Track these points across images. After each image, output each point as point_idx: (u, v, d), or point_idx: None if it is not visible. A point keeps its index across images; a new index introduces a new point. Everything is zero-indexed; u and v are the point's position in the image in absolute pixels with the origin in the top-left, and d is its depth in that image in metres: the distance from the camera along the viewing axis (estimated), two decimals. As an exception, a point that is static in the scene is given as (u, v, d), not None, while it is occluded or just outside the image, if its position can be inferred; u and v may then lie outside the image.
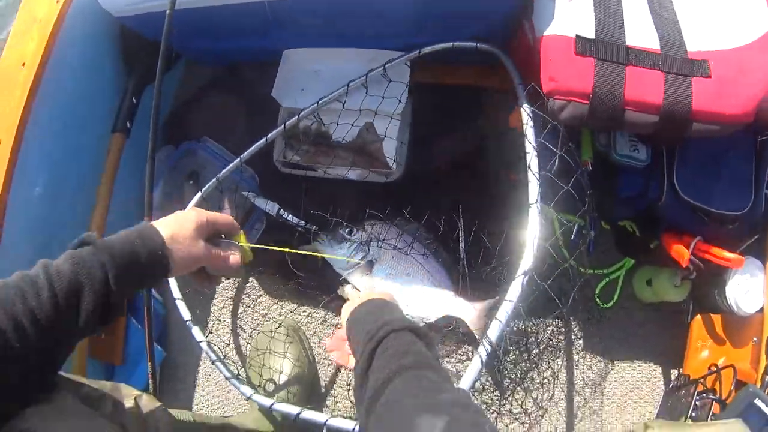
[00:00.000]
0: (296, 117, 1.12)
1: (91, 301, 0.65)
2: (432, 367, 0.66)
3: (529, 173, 0.92)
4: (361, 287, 1.10)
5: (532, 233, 0.89)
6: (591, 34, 0.93)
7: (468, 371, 0.82)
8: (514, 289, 0.85)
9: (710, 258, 1.04)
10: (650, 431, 0.85)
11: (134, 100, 1.16)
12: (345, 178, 1.16)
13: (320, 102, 1.12)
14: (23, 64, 1.01)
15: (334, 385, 1.23)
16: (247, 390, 1.00)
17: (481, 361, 0.83)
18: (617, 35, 0.94)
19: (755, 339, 1.09)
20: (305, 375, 1.16)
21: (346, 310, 0.87)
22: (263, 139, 1.15)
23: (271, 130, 1.16)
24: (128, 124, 1.15)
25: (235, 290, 1.29)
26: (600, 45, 0.92)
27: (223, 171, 1.16)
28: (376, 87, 1.12)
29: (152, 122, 0.94)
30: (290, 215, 1.16)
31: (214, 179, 1.15)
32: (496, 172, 1.17)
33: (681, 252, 1.04)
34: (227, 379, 1.03)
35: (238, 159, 1.15)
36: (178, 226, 0.77)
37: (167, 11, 0.92)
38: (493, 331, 0.83)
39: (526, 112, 0.97)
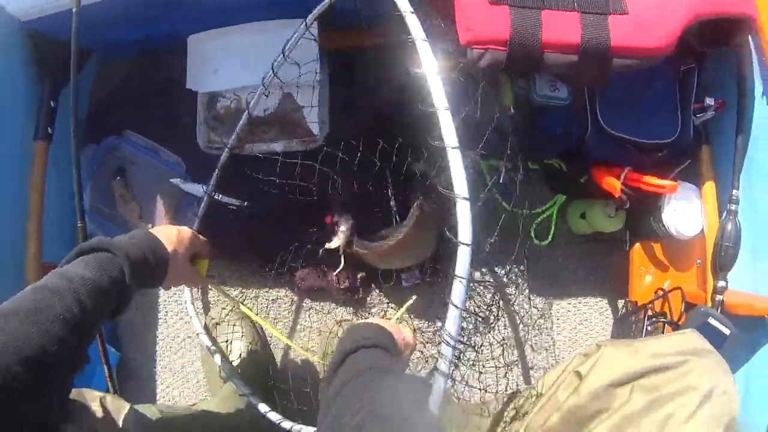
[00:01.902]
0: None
1: (114, 300, 0.73)
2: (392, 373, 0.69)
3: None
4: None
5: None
6: (504, -18, 0.92)
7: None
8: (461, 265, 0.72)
9: (643, 186, 1.05)
10: (602, 349, 0.85)
11: (52, 104, 1.10)
12: (271, 150, 1.13)
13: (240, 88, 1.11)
14: None
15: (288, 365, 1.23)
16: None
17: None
18: (530, -21, 0.92)
19: (699, 261, 1.12)
20: (261, 352, 1.16)
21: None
22: (225, 151, 1.12)
23: (191, 114, 1.15)
24: (49, 129, 1.10)
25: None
26: (513, -9, 0.91)
27: (200, 209, 1.14)
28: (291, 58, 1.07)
29: (72, 119, 0.94)
30: (222, 195, 1.13)
31: (203, 206, 1.14)
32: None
33: (613, 183, 1.05)
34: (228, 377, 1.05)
35: (207, 191, 1.13)
36: (178, 243, 0.87)
37: (73, 9, 0.90)
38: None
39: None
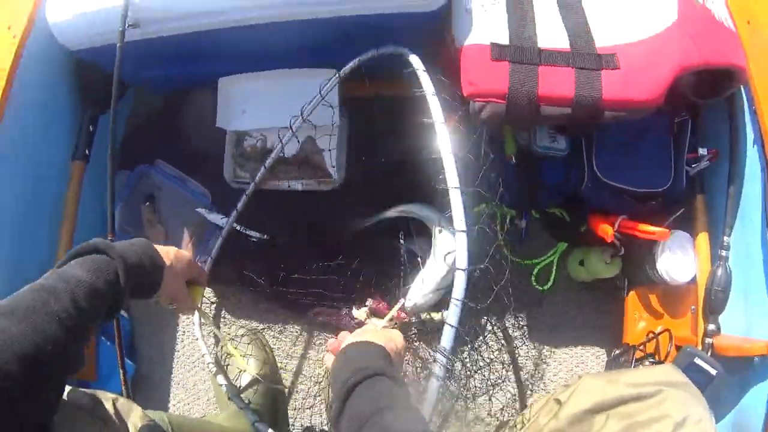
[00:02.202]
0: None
1: (109, 302, 0.73)
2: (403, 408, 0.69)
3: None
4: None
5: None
6: (505, 40, 1.01)
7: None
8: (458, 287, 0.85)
9: (637, 233, 1.10)
10: (582, 379, 0.89)
11: (91, 128, 1.21)
12: (291, 188, 1.22)
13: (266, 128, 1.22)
14: None
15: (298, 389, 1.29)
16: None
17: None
18: (529, 39, 1.01)
19: (693, 308, 1.16)
20: (269, 377, 1.20)
21: (329, 359, 0.92)
22: (243, 197, 1.22)
23: (219, 148, 1.25)
24: (87, 151, 1.20)
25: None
26: (513, 49, 1.00)
27: (223, 231, 1.24)
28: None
29: (110, 146, 1.03)
30: (244, 228, 1.22)
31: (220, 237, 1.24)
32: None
33: (605, 229, 1.11)
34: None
35: (233, 214, 1.23)
36: (175, 260, 0.87)
37: (118, 44, 1.00)
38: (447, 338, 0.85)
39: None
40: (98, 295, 0.70)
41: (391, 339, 0.88)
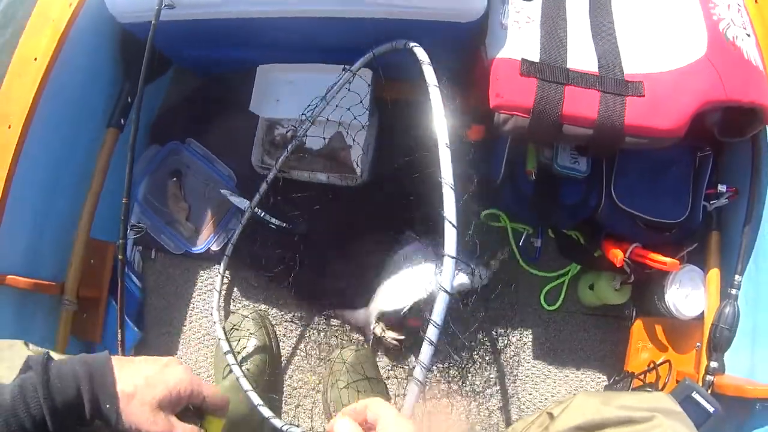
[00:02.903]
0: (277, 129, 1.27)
1: None
2: None
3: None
4: None
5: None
6: (536, 57, 1.05)
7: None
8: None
9: (647, 262, 1.13)
10: (576, 396, 0.88)
11: (129, 99, 1.27)
12: (316, 180, 1.27)
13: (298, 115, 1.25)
14: (35, 59, 1.12)
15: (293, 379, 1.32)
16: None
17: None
18: (559, 59, 1.05)
19: (698, 344, 1.17)
20: (268, 358, 1.25)
21: None
22: (263, 183, 1.27)
23: (250, 134, 1.30)
24: (122, 120, 1.27)
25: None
26: (542, 67, 1.04)
27: (245, 216, 1.29)
28: (344, 101, 1.23)
29: (135, 115, 1.07)
30: (266, 213, 1.27)
31: (244, 219, 1.29)
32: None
33: (616, 253, 1.14)
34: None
35: (253, 200, 1.27)
36: (143, 386, 0.67)
37: (152, 22, 1.05)
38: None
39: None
40: (17, 425, 0.60)
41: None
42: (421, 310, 1.20)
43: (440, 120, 0.93)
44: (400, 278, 1.25)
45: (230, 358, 1.17)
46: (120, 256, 1.07)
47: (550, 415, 0.90)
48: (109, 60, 1.29)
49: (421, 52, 1.03)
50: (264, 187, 1.26)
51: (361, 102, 1.21)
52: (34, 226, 1.17)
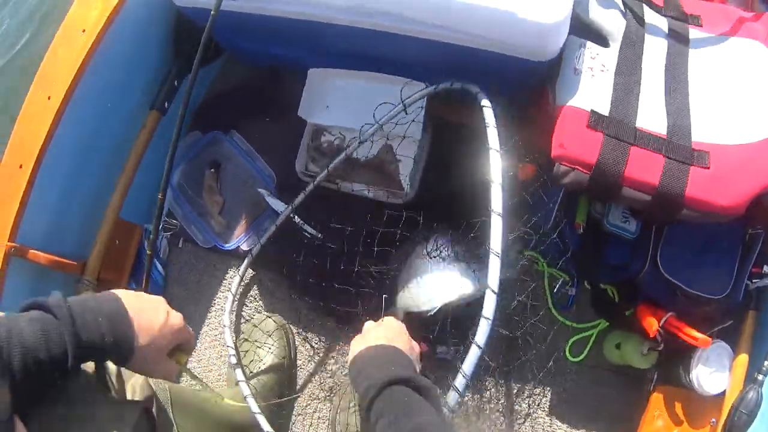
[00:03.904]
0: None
1: (51, 376, 0.69)
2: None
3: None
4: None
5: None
6: (605, 111, 1.04)
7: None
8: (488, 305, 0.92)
9: (679, 334, 1.12)
10: None
11: (176, 83, 1.26)
12: (360, 194, 1.26)
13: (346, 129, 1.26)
14: (83, 31, 1.10)
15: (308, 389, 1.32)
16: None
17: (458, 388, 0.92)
18: (629, 116, 1.04)
19: (713, 420, 1.15)
20: (283, 372, 1.25)
21: (355, 347, 0.96)
22: (311, 185, 1.26)
23: (297, 136, 1.29)
24: (166, 104, 1.26)
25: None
26: (611, 122, 1.02)
27: (279, 219, 1.28)
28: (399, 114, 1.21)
29: (182, 105, 1.07)
30: (302, 221, 1.26)
31: (274, 226, 1.29)
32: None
33: (651, 323, 1.13)
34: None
35: (290, 206, 1.27)
36: (158, 336, 0.78)
37: (212, 12, 1.03)
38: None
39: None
40: (37, 364, 0.66)
41: (412, 348, 0.94)
42: (448, 313, 1.20)
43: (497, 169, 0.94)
44: (429, 278, 1.22)
45: (239, 374, 1.17)
46: (149, 251, 1.07)
47: None
48: (160, 41, 1.28)
49: (488, 111, 1.03)
50: (302, 196, 1.25)
51: (413, 119, 1.21)
52: (63, 200, 1.17)
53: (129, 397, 0.88)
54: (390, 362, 0.87)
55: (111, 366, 0.86)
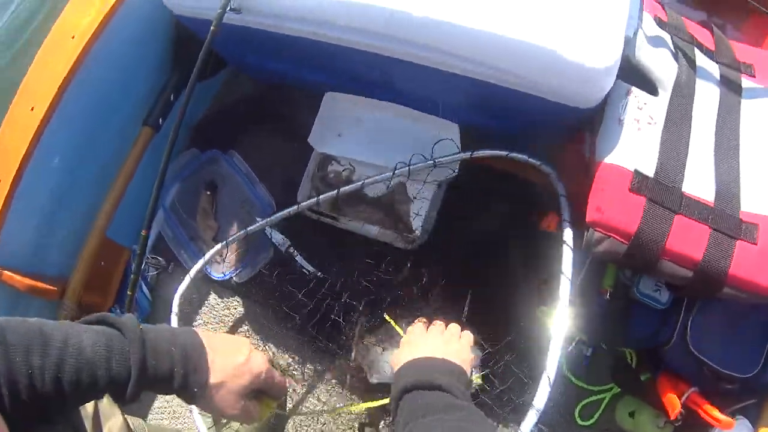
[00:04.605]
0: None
1: (97, 395, 0.65)
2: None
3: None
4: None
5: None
6: (650, 171, 0.93)
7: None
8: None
9: (700, 412, 1.05)
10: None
11: (172, 97, 1.16)
12: (365, 231, 1.16)
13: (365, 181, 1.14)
14: (72, 37, 1.02)
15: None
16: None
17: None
18: (676, 179, 0.93)
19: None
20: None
21: (395, 361, 0.91)
22: (295, 207, 1.15)
23: (302, 160, 1.18)
24: (160, 120, 1.15)
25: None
26: (656, 186, 0.92)
27: (252, 227, 1.17)
28: (424, 150, 1.11)
29: (175, 125, 0.98)
30: (299, 256, 1.16)
31: (243, 232, 1.16)
32: (519, 271, 1.19)
33: (673, 402, 1.05)
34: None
35: (266, 221, 1.15)
36: (232, 376, 0.72)
37: (212, 27, 0.94)
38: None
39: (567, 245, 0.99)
40: (92, 380, 0.61)
41: (467, 360, 0.89)
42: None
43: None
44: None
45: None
46: (129, 292, 0.96)
47: None
48: (157, 52, 1.19)
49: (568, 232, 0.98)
50: (285, 212, 1.14)
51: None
52: (46, 217, 1.09)
53: None
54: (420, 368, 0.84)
55: (87, 408, 0.76)
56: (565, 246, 0.94)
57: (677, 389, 1.08)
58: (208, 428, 1.04)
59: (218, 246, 1.15)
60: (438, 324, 0.97)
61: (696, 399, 1.06)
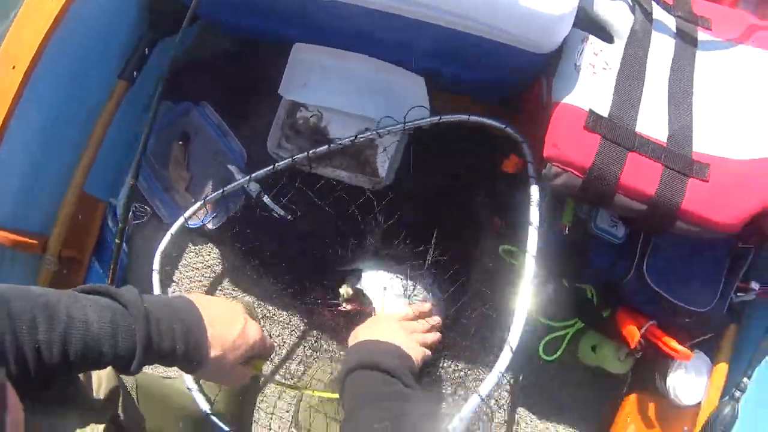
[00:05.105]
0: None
1: (104, 365, 0.66)
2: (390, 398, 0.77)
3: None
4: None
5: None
6: (605, 111, 0.96)
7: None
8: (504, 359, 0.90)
9: (659, 345, 1.09)
10: None
11: (147, 51, 1.18)
12: (336, 176, 1.20)
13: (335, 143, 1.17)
14: None
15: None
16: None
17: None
18: (629, 119, 0.96)
19: (686, 428, 1.16)
20: None
21: (353, 336, 0.97)
22: (272, 166, 1.18)
23: (269, 112, 1.21)
24: (135, 73, 1.17)
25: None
26: (610, 125, 0.95)
27: (230, 186, 1.19)
28: (389, 99, 1.15)
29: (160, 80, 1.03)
30: (270, 201, 1.18)
31: (220, 191, 1.19)
32: (481, 213, 1.23)
33: (632, 333, 1.09)
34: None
35: (248, 177, 1.18)
36: (230, 348, 0.75)
37: None
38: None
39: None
40: (97, 356, 0.64)
41: (416, 345, 0.93)
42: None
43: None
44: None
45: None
46: (117, 240, 0.99)
47: None
48: (130, 7, 1.19)
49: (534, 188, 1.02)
50: (268, 169, 1.18)
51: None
52: (28, 173, 1.10)
53: (95, 388, 0.82)
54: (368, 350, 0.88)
55: None
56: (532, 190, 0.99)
57: (637, 322, 1.11)
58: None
59: (197, 205, 1.18)
60: (416, 321, 1.04)
61: (654, 331, 1.10)
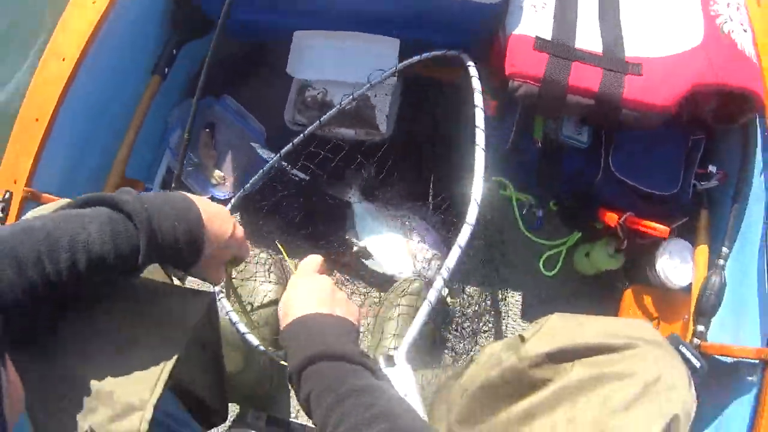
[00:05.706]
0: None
1: (115, 275, 0.69)
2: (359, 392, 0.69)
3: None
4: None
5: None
6: (548, 36, 1.23)
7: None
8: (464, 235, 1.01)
9: (640, 228, 1.27)
10: (551, 319, 0.84)
11: (174, 51, 1.43)
12: (342, 135, 1.44)
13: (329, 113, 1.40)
14: (93, 2, 1.23)
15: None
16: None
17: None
18: (569, 38, 1.23)
19: (686, 317, 1.28)
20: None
21: (285, 306, 0.85)
22: (301, 135, 1.41)
23: (283, 94, 1.47)
24: (166, 69, 1.42)
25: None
26: (553, 44, 1.21)
27: (267, 165, 1.42)
28: (376, 62, 1.39)
29: (204, 73, 1.26)
30: (290, 167, 1.42)
31: (261, 172, 1.42)
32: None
33: (612, 216, 1.30)
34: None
35: (278, 155, 1.41)
36: (221, 249, 0.80)
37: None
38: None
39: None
40: (104, 266, 0.66)
41: (356, 314, 0.85)
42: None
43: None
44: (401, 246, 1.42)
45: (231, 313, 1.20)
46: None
47: (521, 338, 0.84)
48: (159, 14, 1.44)
49: (475, 81, 1.20)
50: (290, 146, 1.41)
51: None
52: (74, 154, 1.28)
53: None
54: (315, 333, 0.79)
55: None
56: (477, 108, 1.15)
57: (616, 214, 1.30)
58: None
59: (245, 188, 1.42)
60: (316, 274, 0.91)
61: (633, 220, 1.28)
